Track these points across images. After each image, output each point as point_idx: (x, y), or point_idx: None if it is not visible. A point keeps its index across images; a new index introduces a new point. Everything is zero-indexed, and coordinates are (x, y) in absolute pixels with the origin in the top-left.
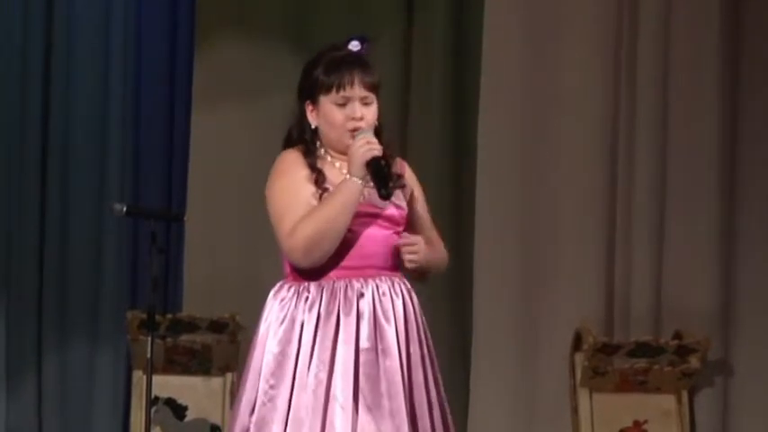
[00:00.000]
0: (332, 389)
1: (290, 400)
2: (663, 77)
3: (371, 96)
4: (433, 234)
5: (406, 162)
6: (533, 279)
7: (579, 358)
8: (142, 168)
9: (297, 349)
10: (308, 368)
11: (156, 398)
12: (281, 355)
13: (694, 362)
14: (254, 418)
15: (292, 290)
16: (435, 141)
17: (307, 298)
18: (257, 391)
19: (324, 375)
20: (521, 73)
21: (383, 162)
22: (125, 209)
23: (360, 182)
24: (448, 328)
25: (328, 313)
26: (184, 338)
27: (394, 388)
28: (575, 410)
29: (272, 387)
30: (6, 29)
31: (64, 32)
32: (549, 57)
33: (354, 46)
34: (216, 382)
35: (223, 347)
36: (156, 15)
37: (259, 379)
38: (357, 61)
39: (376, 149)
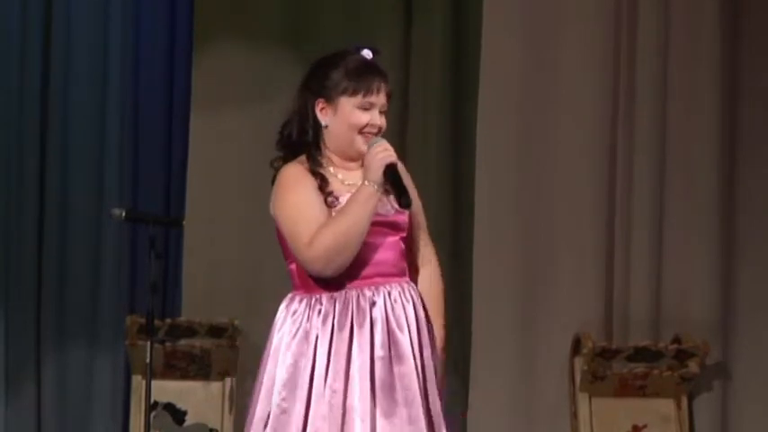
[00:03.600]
0: (348, 398)
1: (306, 412)
2: (662, 78)
3: (385, 106)
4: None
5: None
6: (532, 283)
7: (578, 363)
8: (141, 173)
9: (312, 362)
10: (325, 380)
11: (156, 403)
12: (294, 366)
13: (693, 366)
14: (268, 430)
15: (304, 302)
16: (435, 142)
17: (320, 311)
18: (270, 405)
19: (339, 385)
20: (520, 73)
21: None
22: (124, 214)
23: (377, 187)
24: (447, 331)
25: (342, 325)
26: (183, 343)
27: (411, 394)
28: (574, 415)
29: (284, 399)
30: (5, 32)
31: (62, 36)
32: (548, 57)
33: (367, 54)
34: (215, 386)
35: (222, 352)
36: (154, 20)
37: (272, 391)
38: (380, 70)
39: (394, 156)
